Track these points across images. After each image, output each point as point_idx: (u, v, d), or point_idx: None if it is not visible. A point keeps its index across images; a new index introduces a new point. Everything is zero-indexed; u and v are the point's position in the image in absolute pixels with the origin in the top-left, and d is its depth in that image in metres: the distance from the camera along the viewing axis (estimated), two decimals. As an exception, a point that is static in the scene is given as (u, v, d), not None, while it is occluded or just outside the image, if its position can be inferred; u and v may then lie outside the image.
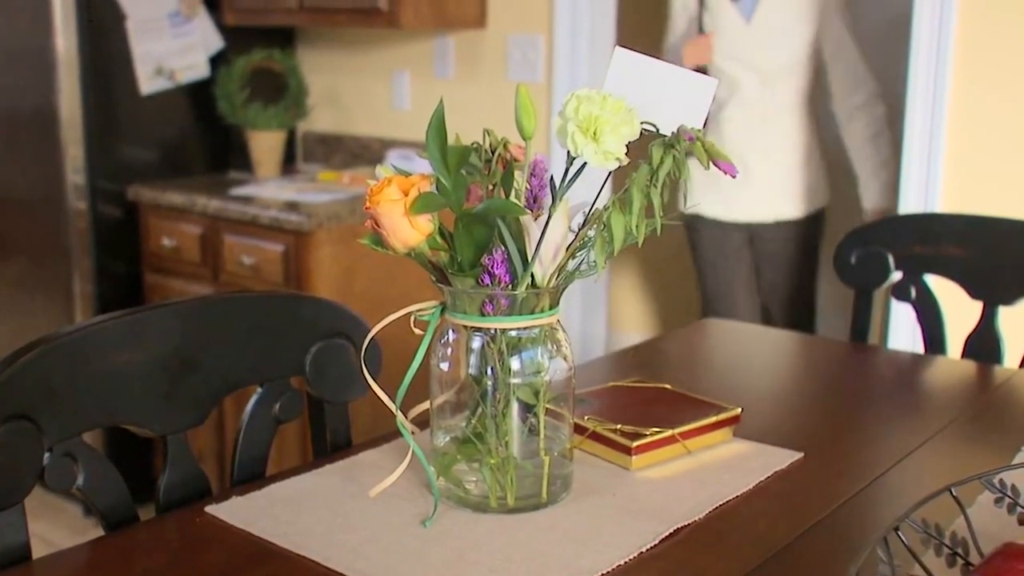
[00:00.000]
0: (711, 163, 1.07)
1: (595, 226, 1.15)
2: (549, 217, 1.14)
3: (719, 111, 3.27)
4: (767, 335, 2.14)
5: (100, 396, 1.24)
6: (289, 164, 3.94)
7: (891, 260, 2.03)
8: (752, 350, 2.02)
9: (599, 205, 1.18)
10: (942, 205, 2.70)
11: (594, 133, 1.04)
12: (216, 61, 3.69)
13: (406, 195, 1.14)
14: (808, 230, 3.39)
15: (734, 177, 1.06)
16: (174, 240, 3.45)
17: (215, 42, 3.69)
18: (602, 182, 1.17)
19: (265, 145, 3.69)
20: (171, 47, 3.58)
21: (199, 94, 3.70)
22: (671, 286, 4.71)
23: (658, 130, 1.14)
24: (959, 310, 2.00)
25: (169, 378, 1.29)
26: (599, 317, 3.64)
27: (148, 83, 3.55)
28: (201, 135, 3.76)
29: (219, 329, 1.35)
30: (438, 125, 1.16)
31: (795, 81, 3.22)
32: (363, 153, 3.85)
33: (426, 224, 1.15)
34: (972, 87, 2.65)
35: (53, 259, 3.58)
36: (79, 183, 3.49)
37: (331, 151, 3.97)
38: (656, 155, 1.07)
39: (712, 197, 3.34)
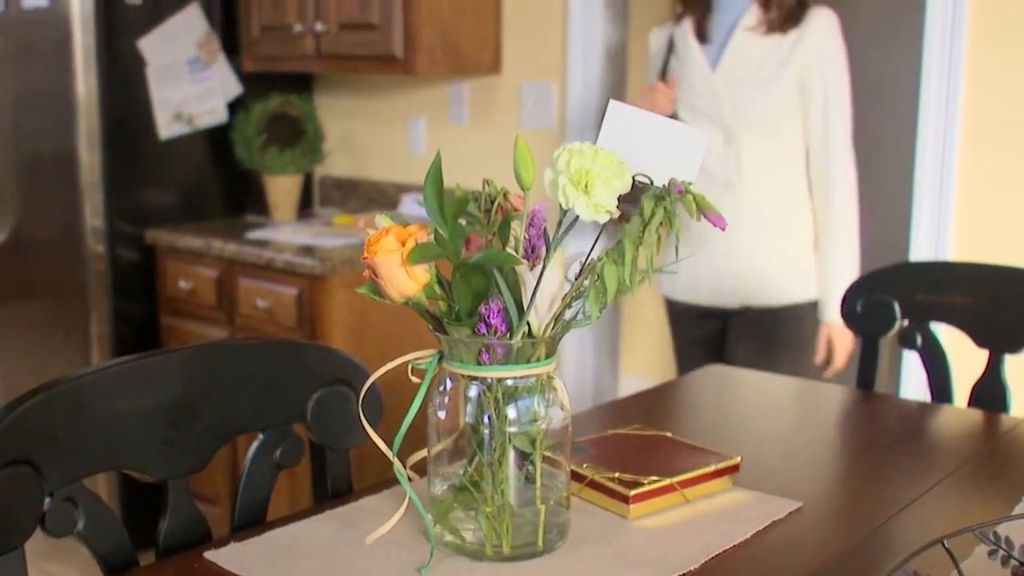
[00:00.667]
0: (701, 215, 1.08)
1: (590, 277, 1.16)
2: (543, 268, 1.15)
3: None
4: (772, 382, 2.14)
5: (101, 442, 1.25)
6: (306, 208, 3.98)
7: (897, 308, 2.03)
8: (757, 397, 2.02)
9: (595, 255, 1.19)
10: (953, 253, 2.70)
11: (585, 186, 1.05)
12: (234, 106, 3.74)
13: (403, 245, 1.16)
14: (792, 317, 2.79)
15: (723, 230, 1.07)
16: (190, 283, 3.48)
17: (234, 88, 3.73)
18: (597, 232, 1.19)
19: (281, 189, 3.73)
20: (190, 93, 3.63)
21: (217, 138, 3.74)
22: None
23: (652, 182, 1.15)
24: (966, 358, 2.00)
25: (170, 424, 1.31)
26: (610, 360, 3.64)
27: (167, 128, 3.60)
28: (219, 179, 3.80)
29: (221, 376, 1.36)
30: (435, 176, 1.17)
31: (767, 143, 2.69)
32: (379, 197, 3.88)
33: (423, 274, 1.17)
34: (982, 134, 2.65)
35: (71, 300, 3.62)
36: (98, 226, 3.53)
37: (347, 195, 4.00)
38: (647, 207, 1.08)
39: (673, 275, 2.55)
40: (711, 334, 2.91)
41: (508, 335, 1.19)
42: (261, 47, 3.65)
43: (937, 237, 2.71)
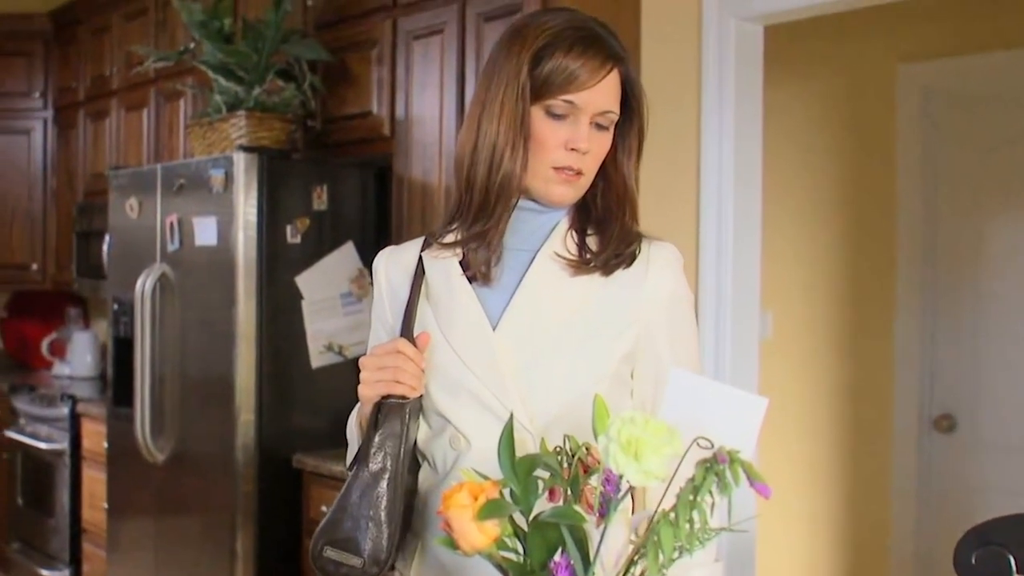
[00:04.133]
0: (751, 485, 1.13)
1: (649, 536, 1.21)
2: (606, 526, 1.21)
3: (440, 483, 1.73)
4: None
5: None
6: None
7: (1013, 561, 1.99)
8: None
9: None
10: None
11: (635, 453, 1.12)
12: (382, 336, 3.93)
13: (476, 500, 1.24)
14: None
15: (767, 498, 1.12)
16: (331, 506, 3.60)
17: (382, 319, 3.94)
18: (663, 492, 1.24)
19: (423, 416, 3.86)
20: (342, 325, 3.85)
21: (365, 367, 3.92)
22: (830, 552, 4.58)
23: (713, 446, 1.21)
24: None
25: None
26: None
27: (318, 358, 3.81)
28: (364, 405, 3.96)
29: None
30: (508, 436, 1.26)
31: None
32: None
33: (493, 528, 1.24)
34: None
35: (221, 518, 3.78)
36: (249, 447, 3.72)
37: (488, 422, 4.11)
38: (699, 475, 1.14)
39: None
40: None
41: (576, 589, 1.24)
42: (409, 282, 3.86)
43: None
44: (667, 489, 1.20)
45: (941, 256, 4.29)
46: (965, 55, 4.17)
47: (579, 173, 1.70)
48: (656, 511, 1.25)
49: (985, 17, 4.07)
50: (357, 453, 1.72)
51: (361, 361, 1.71)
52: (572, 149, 1.67)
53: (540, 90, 1.66)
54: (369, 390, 1.69)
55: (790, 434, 4.34)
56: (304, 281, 3.79)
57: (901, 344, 4.37)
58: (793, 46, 3.97)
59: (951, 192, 4.26)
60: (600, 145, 1.71)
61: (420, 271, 1.78)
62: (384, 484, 1.68)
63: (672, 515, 1.18)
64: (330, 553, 1.68)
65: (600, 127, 1.70)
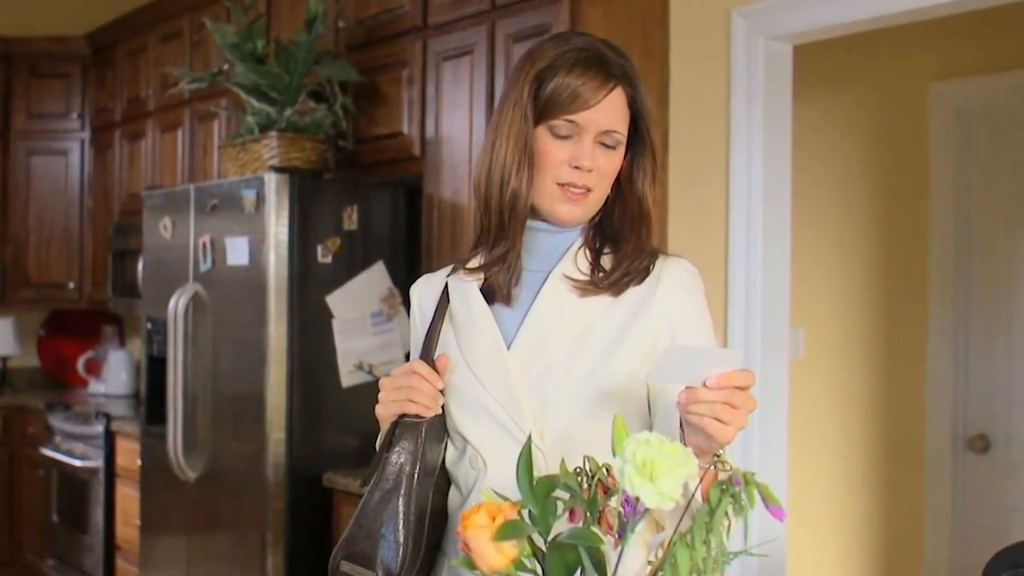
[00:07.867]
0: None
1: (668, 558, 1.22)
2: (622, 548, 1.22)
3: (463, 504, 1.74)
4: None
5: None
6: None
7: (1042, 585, 1.97)
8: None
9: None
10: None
11: (651, 475, 1.12)
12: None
13: (494, 521, 1.25)
14: None
15: (782, 521, 1.12)
16: (361, 525, 3.61)
17: (412, 338, 3.96)
18: (679, 517, 1.25)
19: (453, 435, 3.87)
20: (372, 344, 3.87)
21: (395, 386, 3.93)
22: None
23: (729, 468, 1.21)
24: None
25: None
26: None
27: (348, 377, 3.83)
28: (395, 424, 3.98)
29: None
30: (527, 457, 1.27)
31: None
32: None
33: (511, 549, 1.25)
34: None
35: (251, 535, 3.80)
36: (280, 465, 3.74)
37: (518, 441, 4.11)
38: (714, 497, 1.15)
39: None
40: None
41: (594, 610, 1.24)
42: (439, 301, 3.87)
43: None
44: (682, 514, 1.21)
45: (974, 274, 4.25)
46: (997, 73, 4.14)
47: (587, 191, 1.71)
48: (673, 533, 1.25)
49: (1018, 34, 4.05)
50: (372, 471, 1.74)
51: (380, 382, 1.76)
52: (576, 167, 1.68)
53: (543, 111, 1.68)
54: (384, 409, 1.74)
55: (823, 453, 4.31)
56: (335, 300, 3.81)
57: (934, 363, 4.33)
58: (824, 63, 3.96)
59: (983, 210, 4.23)
60: (608, 164, 1.72)
61: (445, 296, 1.81)
62: (398, 501, 1.70)
63: (688, 537, 1.18)
64: (346, 567, 1.71)
65: (606, 146, 1.70)
